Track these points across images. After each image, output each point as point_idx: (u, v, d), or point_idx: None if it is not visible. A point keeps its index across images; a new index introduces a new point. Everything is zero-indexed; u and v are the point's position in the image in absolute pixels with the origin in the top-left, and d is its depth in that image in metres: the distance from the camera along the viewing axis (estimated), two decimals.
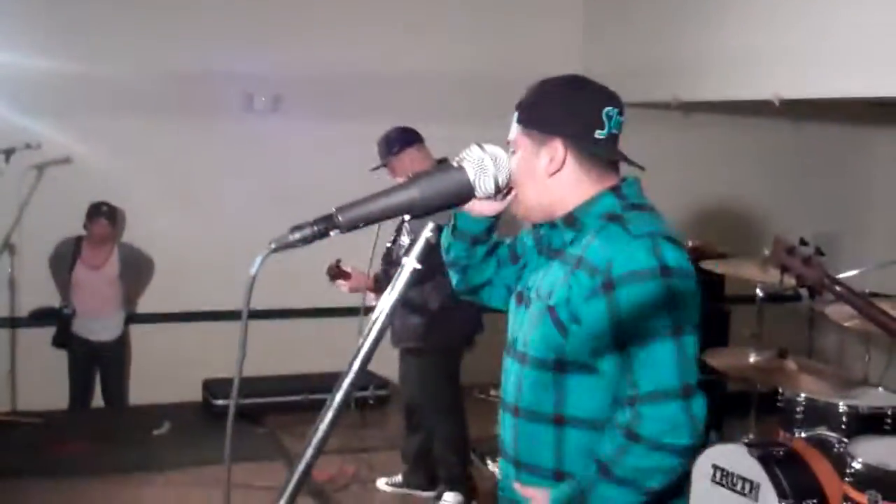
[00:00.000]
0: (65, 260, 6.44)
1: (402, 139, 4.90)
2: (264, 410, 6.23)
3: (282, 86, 6.92)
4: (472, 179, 1.45)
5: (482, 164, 1.45)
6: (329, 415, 1.42)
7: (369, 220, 1.45)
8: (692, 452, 2.04)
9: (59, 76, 6.30)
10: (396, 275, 1.45)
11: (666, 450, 1.99)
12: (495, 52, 7.17)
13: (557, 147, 2.09)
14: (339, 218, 1.44)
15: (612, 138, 2.13)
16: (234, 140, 6.84)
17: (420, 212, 1.44)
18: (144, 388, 6.75)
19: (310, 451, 1.47)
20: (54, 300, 6.48)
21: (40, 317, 6.48)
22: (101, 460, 5.49)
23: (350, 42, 6.93)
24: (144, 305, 6.87)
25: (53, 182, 6.51)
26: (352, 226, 1.44)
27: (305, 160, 6.86)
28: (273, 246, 1.47)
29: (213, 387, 6.38)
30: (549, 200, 2.13)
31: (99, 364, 6.58)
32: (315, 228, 1.44)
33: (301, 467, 1.46)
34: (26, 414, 6.19)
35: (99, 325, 6.47)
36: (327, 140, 6.84)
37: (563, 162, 2.10)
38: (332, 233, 1.45)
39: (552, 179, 2.11)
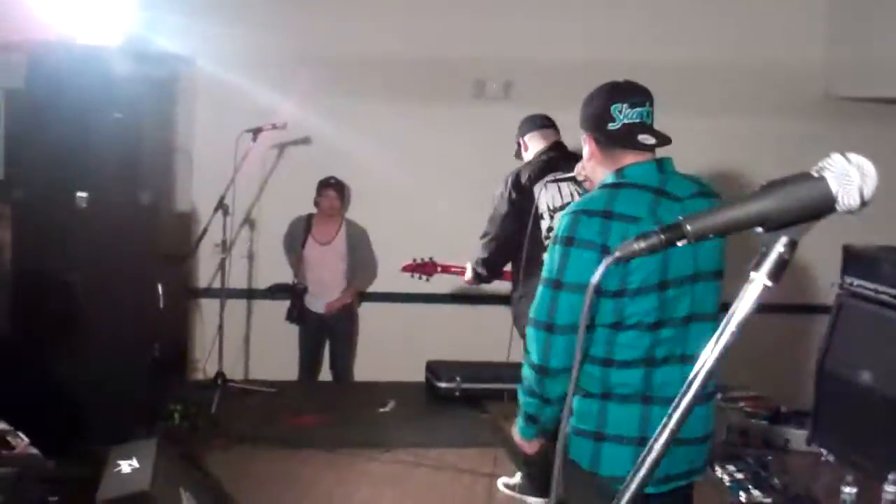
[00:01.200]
0: (297, 237, 6.67)
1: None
2: (488, 396, 6.23)
3: (513, 72, 6.89)
4: (834, 191, 1.33)
5: (846, 175, 1.33)
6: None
7: (718, 231, 1.38)
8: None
9: (302, 59, 6.50)
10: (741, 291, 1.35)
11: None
12: (736, 41, 6.90)
13: (588, 141, 2.89)
14: (688, 228, 1.38)
15: (627, 127, 2.79)
16: (464, 125, 6.87)
17: (774, 224, 1.33)
18: (370, 365, 6.91)
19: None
20: (288, 276, 6.72)
21: (276, 291, 6.73)
22: (329, 433, 5.62)
23: (585, 28, 6.83)
24: (374, 284, 7.01)
25: (293, 161, 6.75)
26: (701, 236, 1.38)
27: None
28: (617, 254, 1.46)
29: (437, 369, 6.43)
30: (595, 180, 2.89)
31: (329, 337, 6.77)
32: (662, 237, 1.40)
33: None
34: (260, 383, 6.42)
35: (329, 299, 6.66)
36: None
37: (592, 152, 2.88)
38: (679, 243, 1.40)
39: (590, 164, 2.91)
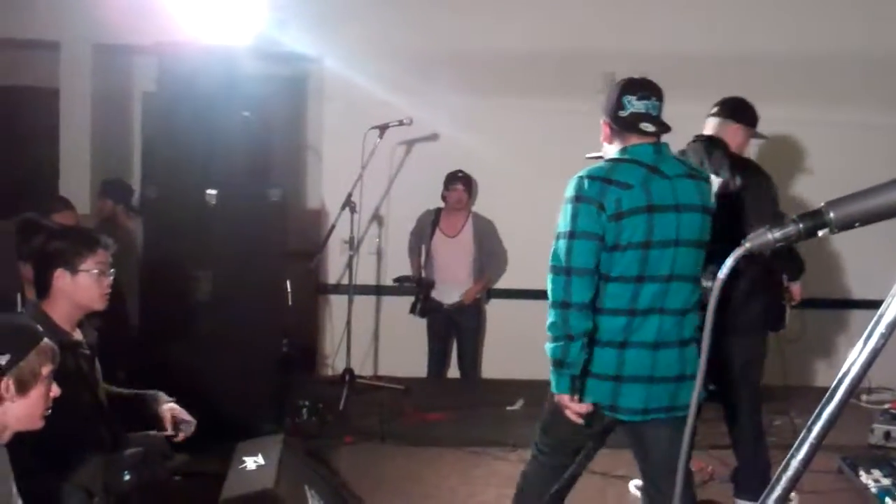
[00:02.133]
0: (425, 230, 6.66)
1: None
2: None
3: (643, 65, 6.69)
4: None
5: None
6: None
7: (866, 219, 1.25)
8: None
9: (429, 56, 6.49)
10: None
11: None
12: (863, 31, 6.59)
13: (604, 125, 3.44)
14: (831, 215, 1.25)
15: (634, 115, 3.33)
16: (591, 118, 6.70)
17: None
18: (498, 362, 6.85)
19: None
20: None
21: (402, 282, 6.72)
22: (456, 431, 5.59)
23: (705, 19, 6.64)
24: (500, 281, 6.94)
25: (419, 157, 6.74)
26: (845, 225, 1.25)
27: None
28: (748, 245, 1.34)
29: None
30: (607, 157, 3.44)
31: (456, 331, 6.74)
32: (801, 227, 1.28)
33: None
34: (388, 379, 6.43)
35: (457, 291, 6.63)
36: (683, 119, 6.57)
37: (606, 134, 3.45)
38: (819, 232, 1.27)
39: (605, 144, 3.47)
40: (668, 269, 3.33)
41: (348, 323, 6.19)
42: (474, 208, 6.75)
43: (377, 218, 6.85)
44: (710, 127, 4.68)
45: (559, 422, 3.41)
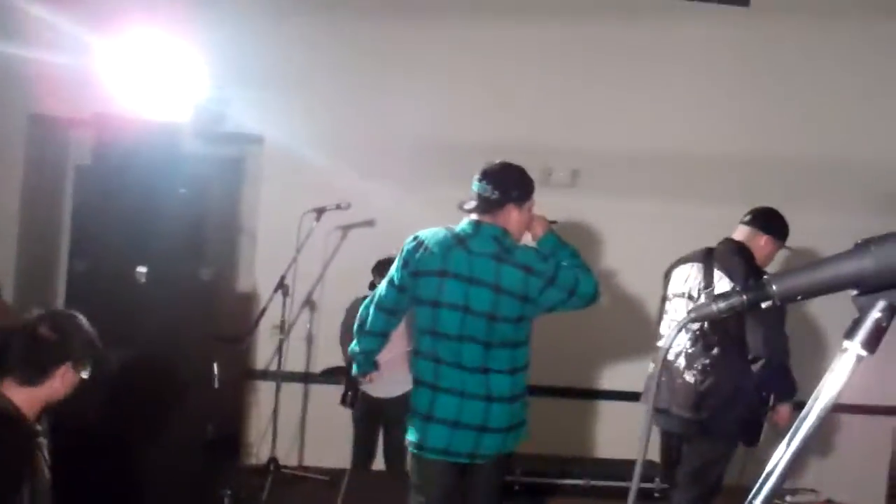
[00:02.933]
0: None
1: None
2: (550, 491, 6.02)
3: (580, 160, 6.81)
4: None
5: None
6: None
7: (808, 293, 1.25)
8: None
9: (371, 142, 6.50)
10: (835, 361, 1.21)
11: None
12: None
13: None
14: (773, 288, 1.26)
15: (472, 196, 4.05)
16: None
17: (870, 287, 1.20)
18: None
19: None
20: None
21: (331, 375, 6.60)
22: None
23: (650, 119, 6.76)
24: None
25: (356, 243, 6.68)
26: (787, 297, 1.26)
27: (603, 236, 6.71)
28: (692, 315, 1.35)
29: None
30: None
31: (382, 422, 6.60)
32: (744, 298, 1.28)
33: None
34: (314, 470, 6.27)
35: (385, 383, 6.50)
36: (626, 215, 6.65)
37: None
38: (763, 304, 1.28)
39: None
40: (456, 329, 3.88)
41: (275, 410, 6.04)
42: None
43: (309, 303, 6.74)
44: (740, 234, 4.77)
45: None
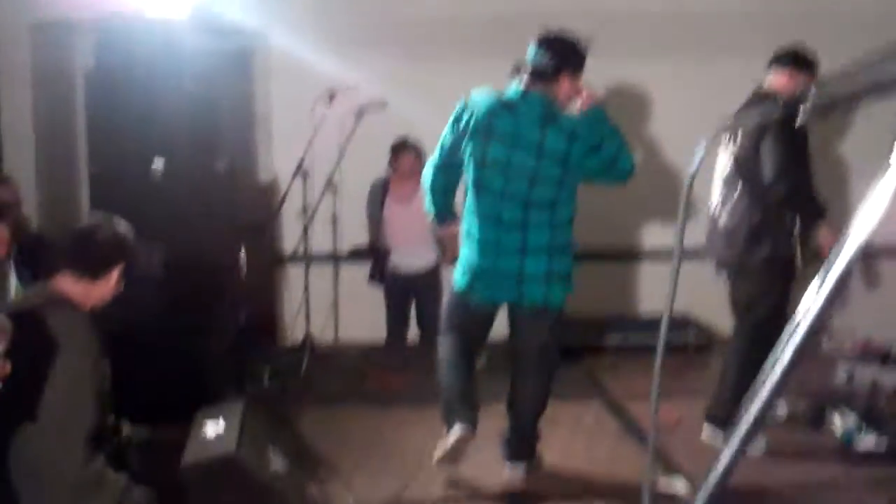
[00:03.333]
0: (376, 199, 6.65)
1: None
2: (583, 349, 6.20)
3: (593, 26, 6.70)
4: None
5: None
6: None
7: (848, 97, 1.19)
8: None
9: (375, 23, 6.45)
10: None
11: None
12: None
13: None
14: (812, 91, 1.20)
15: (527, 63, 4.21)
16: None
17: None
18: None
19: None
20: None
21: (359, 254, 6.75)
22: (418, 391, 5.63)
23: None
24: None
25: (370, 126, 6.70)
26: (826, 102, 1.19)
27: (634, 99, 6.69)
28: (727, 124, 1.36)
29: None
30: None
31: (414, 294, 6.77)
32: (780, 104, 1.26)
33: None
34: (349, 345, 6.45)
35: (411, 258, 6.65)
36: (650, 77, 6.59)
37: None
38: (799, 116, 1.23)
39: None
40: (499, 186, 4.11)
41: (306, 290, 6.19)
42: None
43: (331, 187, 6.81)
44: (767, 81, 4.66)
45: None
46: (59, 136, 6.67)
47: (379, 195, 6.66)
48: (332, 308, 6.79)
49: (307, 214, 6.24)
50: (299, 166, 6.00)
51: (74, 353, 3.07)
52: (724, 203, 4.71)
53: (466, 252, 4.29)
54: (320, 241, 6.70)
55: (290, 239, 6.86)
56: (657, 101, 6.87)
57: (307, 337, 6.18)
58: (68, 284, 3.29)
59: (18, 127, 6.61)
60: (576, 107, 4.16)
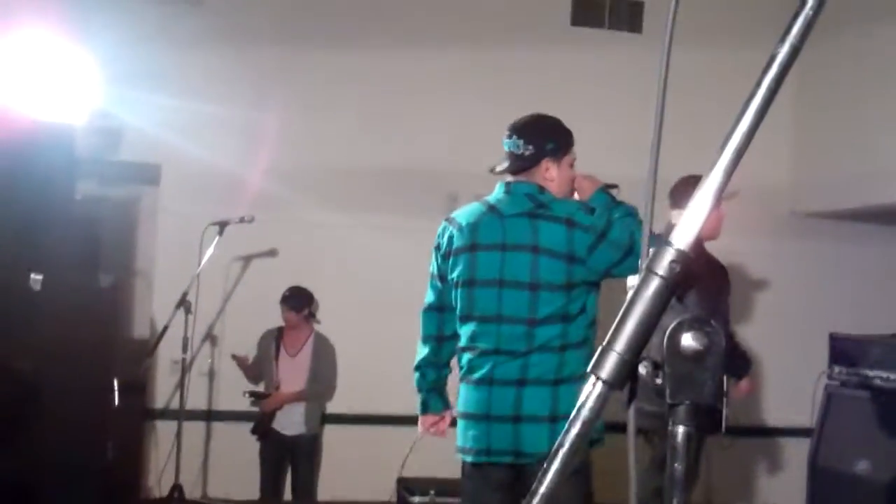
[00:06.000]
0: (269, 350, 6.35)
1: None
2: None
3: (486, 186, 6.81)
4: None
5: None
6: None
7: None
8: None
9: (277, 167, 6.41)
10: None
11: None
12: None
13: None
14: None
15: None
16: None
17: None
18: (335, 484, 6.50)
19: None
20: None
21: (253, 396, 6.31)
22: None
23: None
24: (337, 405, 6.67)
25: (257, 274, 6.52)
26: None
27: None
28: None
29: (409, 484, 6.05)
30: None
31: (291, 457, 6.36)
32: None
33: None
34: (219, 501, 6.01)
35: (293, 417, 6.28)
36: None
37: None
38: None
39: None
40: (493, 309, 3.40)
41: (178, 434, 5.79)
42: (318, 327, 6.50)
43: (210, 338, 6.51)
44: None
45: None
46: None
47: (274, 340, 6.35)
48: (202, 464, 6.36)
49: (186, 348, 5.90)
50: (184, 297, 5.73)
51: None
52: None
53: (459, 397, 3.56)
54: (195, 397, 6.31)
55: (162, 392, 6.45)
56: None
57: (176, 486, 5.71)
58: None
59: None
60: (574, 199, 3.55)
